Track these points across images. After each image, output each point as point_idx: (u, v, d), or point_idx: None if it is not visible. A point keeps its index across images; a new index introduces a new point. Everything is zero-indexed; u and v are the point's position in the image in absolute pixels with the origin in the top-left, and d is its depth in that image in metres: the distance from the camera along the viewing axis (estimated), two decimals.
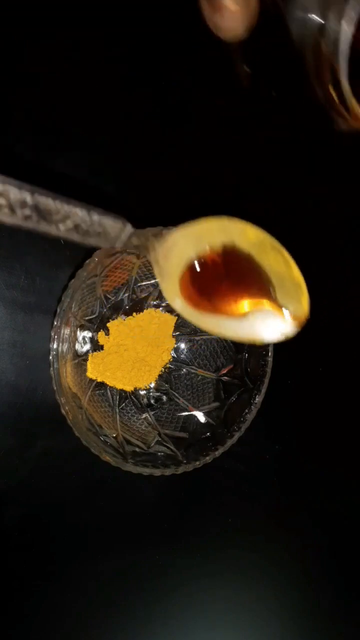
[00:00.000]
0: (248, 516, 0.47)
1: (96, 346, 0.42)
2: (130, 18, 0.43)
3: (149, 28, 0.44)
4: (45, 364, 0.40)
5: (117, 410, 0.43)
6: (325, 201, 0.48)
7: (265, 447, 0.47)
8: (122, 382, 0.42)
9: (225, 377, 0.43)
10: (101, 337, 0.42)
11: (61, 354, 0.39)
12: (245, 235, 0.30)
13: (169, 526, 0.46)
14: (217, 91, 0.46)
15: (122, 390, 0.43)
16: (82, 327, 0.42)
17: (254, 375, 0.41)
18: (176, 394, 0.44)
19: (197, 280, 0.31)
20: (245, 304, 0.31)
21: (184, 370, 0.44)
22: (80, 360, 0.41)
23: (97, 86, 0.43)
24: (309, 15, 0.39)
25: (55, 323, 0.39)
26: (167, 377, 0.44)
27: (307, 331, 0.31)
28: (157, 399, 0.44)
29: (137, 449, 0.41)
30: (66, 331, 0.40)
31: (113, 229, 0.28)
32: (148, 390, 0.44)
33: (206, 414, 0.43)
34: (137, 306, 0.43)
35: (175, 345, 0.44)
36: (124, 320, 0.42)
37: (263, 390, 0.40)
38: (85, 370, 0.41)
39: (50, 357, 0.39)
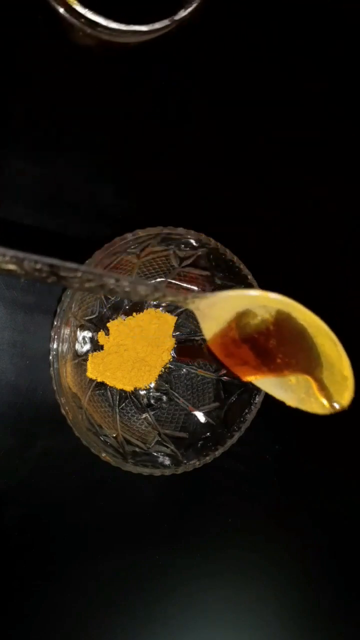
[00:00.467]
0: (248, 516, 0.47)
1: (96, 346, 0.42)
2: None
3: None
4: (45, 364, 0.40)
5: (117, 410, 0.43)
6: (325, 201, 0.48)
7: (265, 447, 0.47)
8: (122, 382, 0.42)
9: (225, 377, 0.43)
10: (101, 337, 0.42)
11: (61, 354, 0.39)
12: (303, 314, 0.29)
13: (169, 526, 0.46)
14: (217, 91, 0.46)
15: (122, 390, 0.43)
16: (82, 327, 0.42)
17: None
18: (176, 394, 0.44)
19: (242, 329, 0.29)
20: (286, 366, 0.30)
21: (184, 370, 0.44)
22: (80, 360, 0.41)
23: (97, 86, 0.43)
24: None
25: (55, 323, 0.39)
26: (167, 377, 0.44)
27: None
28: (157, 399, 0.44)
29: (137, 449, 0.41)
30: (66, 331, 0.40)
31: (144, 290, 0.27)
32: (148, 390, 0.44)
33: (206, 414, 0.43)
34: (137, 306, 0.43)
35: (175, 345, 0.44)
36: (124, 320, 0.42)
37: (263, 390, 0.40)
38: (85, 370, 0.41)
39: (50, 357, 0.39)
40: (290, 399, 0.31)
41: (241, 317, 0.29)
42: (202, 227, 0.39)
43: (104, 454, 0.38)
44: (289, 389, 0.31)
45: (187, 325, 0.44)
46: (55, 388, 0.38)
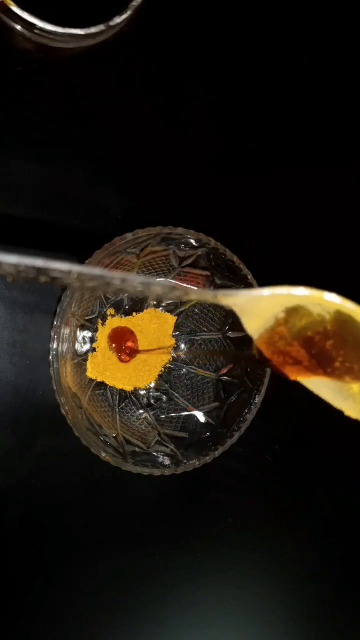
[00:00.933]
0: (248, 516, 0.47)
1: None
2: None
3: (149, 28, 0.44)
4: (45, 364, 0.40)
5: (117, 410, 0.43)
6: (326, 201, 0.48)
7: (265, 447, 0.47)
8: (122, 382, 0.42)
9: (225, 377, 0.43)
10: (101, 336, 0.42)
11: (61, 354, 0.39)
12: None
13: (169, 526, 0.46)
14: (217, 91, 0.46)
15: (122, 390, 0.43)
16: (82, 327, 0.42)
17: (254, 375, 0.41)
18: (176, 394, 0.44)
19: (292, 326, 0.27)
20: (347, 372, 0.27)
21: (184, 370, 0.44)
22: (80, 360, 0.41)
23: (97, 86, 0.43)
24: None
25: (55, 323, 0.39)
26: (167, 377, 0.44)
27: None
28: (157, 399, 0.44)
29: (137, 449, 0.41)
30: (66, 331, 0.40)
31: (174, 294, 0.26)
32: (148, 390, 0.44)
33: (206, 414, 0.43)
34: (137, 306, 0.43)
35: (175, 345, 0.44)
36: (124, 320, 0.42)
37: (263, 390, 0.40)
38: (85, 370, 0.41)
39: (50, 357, 0.39)
40: (351, 409, 0.28)
41: (292, 313, 0.27)
42: (202, 227, 0.39)
43: (104, 454, 0.38)
44: (349, 398, 0.28)
45: (187, 325, 0.44)
46: (55, 388, 0.38)
